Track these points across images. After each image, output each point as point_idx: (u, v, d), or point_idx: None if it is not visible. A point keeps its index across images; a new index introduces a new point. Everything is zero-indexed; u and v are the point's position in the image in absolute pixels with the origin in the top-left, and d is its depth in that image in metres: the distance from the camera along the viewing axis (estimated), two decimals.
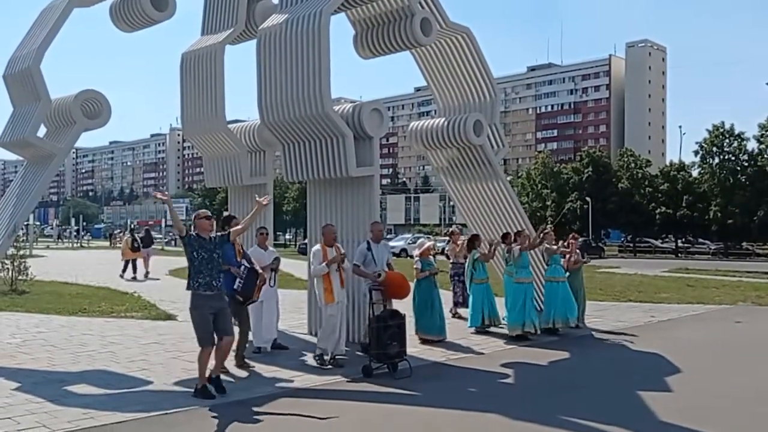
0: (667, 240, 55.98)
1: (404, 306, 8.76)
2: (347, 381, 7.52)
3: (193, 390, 6.77)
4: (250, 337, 8.67)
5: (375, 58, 11.13)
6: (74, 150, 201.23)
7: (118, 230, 33.41)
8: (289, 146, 9.83)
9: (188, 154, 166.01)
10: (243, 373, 7.86)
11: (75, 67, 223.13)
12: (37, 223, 69.61)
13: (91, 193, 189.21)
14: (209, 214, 7.09)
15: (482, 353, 9.26)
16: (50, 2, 9.65)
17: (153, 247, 25.04)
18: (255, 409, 6.41)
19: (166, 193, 7.61)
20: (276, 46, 9.37)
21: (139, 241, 22.26)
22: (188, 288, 6.81)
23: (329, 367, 8.10)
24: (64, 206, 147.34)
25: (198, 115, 10.66)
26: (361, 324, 9.29)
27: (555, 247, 11.04)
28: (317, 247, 8.30)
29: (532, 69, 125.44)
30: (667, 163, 59.07)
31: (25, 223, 40.96)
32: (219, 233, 7.14)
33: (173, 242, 59.36)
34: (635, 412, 6.37)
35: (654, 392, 7.05)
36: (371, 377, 7.59)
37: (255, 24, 10.66)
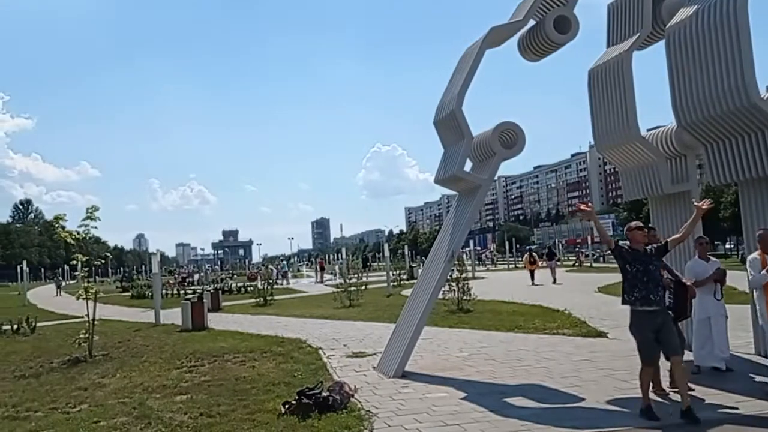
0: None
1: None
2: None
3: (631, 410, 6.64)
4: (689, 356, 8.07)
5: None
6: (504, 178, 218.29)
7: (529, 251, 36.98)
8: (712, 146, 8.94)
9: (610, 169, 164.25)
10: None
11: (492, 101, 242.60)
12: (478, 248, 77.05)
13: (521, 217, 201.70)
14: (641, 224, 6.87)
15: None
16: (466, 49, 10.73)
17: (556, 260, 33.81)
18: None
19: (590, 204, 7.47)
20: (687, 42, 8.71)
21: (536, 256, 31.79)
22: (623, 302, 6.67)
23: None
24: (499, 231, 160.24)
25: (609, 127, 10.49)
26: None
27: None
28: (754, 255, 7.41)
29: None
30: None
31: (467, 249, 46.20)
32: (655, 245, 6.83)
33: (601, 258, 59.20)
34: None
35: None
36: None
37: (662, 24, 10.06)
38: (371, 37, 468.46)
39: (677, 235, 6.93)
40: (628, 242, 6.75)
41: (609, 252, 6.94)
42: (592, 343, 11.35)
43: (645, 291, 6.42)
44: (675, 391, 7.37)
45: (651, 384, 7.21)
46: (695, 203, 6.82)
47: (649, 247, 6.71)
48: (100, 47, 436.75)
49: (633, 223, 6.93)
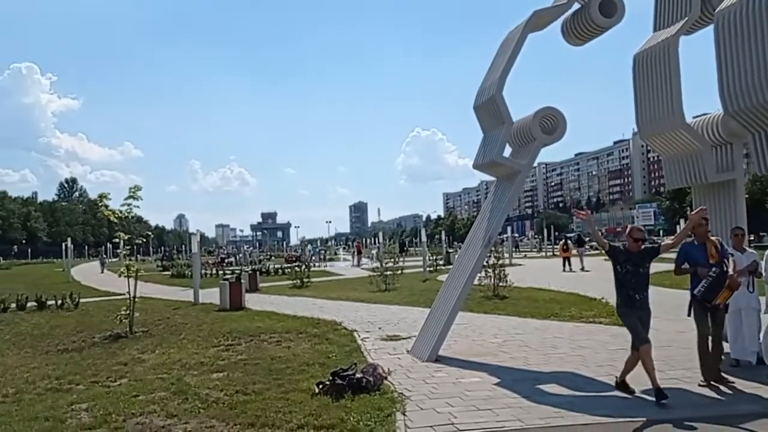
0: None
1: None
2: None
3: (666, 400, 6.62)
4: (727, 348, 7.91)
5: None
6: (544, 165, 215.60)
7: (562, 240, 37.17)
8: (760, 134, 8.67)
9: (653, 157, 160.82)
10: (721, 388, 7.20)
11: (533, 87, 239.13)
12: (516, 235, 76.39)
13: (560, 204, 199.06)
14: (641, 236, 7.11)
15: None
16: (508, 33, 10.58)
17: (585, 247, 34.95)
18: (727, 427, 5.83)
19: (588, 211, 7.95)
20: (736, 26, 8.44)
21: (569, 243, 33.18)
22: (617, 306, 7.21)
23: None
24: (538, 218, 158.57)
25: (654, 114, 10.25)
26: None
27: None
28: None
29: None
30: None
31: (505, 235, 45.92)
32: (648, 245, 7.19)
33: None
34: None
35: None
36: None
37: (711, 8, 9.77)
38: (412, 23, 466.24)
39: (668, 241, 7.42)
40: (624, 244, 7.14)
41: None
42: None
43: (632, 291, 6.91)
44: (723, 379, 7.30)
45: (711, 372, 7.31)
46: (690, 213, 7.16)
47: (643, 248, 7.02)
48: (145, 31, 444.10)
49: (635, 232, 7.13)
